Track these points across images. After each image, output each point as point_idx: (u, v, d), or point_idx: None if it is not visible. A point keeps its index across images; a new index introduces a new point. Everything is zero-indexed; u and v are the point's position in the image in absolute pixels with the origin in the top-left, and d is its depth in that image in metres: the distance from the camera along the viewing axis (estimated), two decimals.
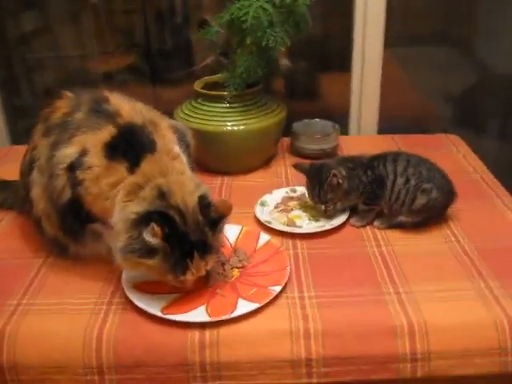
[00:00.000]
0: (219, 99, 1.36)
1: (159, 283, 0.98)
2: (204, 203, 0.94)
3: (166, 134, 1.04)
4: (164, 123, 1.06)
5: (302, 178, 1.29)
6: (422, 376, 0.89)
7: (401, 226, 1.16)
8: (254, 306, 0.93)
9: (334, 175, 1.13)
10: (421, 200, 1.11)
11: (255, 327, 0.91)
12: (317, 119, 1.56)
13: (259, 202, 1.24)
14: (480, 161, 1.45)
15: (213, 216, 0.93)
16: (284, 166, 1.47)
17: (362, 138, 1.68)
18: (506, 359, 0.90)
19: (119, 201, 0.94)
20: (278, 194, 1.29)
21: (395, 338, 0.90)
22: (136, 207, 0.91)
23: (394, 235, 1.14)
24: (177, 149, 1.03)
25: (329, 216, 1.19)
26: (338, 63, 1.84)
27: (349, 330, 0.91)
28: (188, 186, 0.95)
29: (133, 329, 0.92)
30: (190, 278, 0.92)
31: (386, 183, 1.14)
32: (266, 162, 1.47)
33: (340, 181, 1.13)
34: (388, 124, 1.74)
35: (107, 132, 0.97)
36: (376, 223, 1.17)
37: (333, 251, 1.10)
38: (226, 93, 1.33)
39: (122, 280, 1.00)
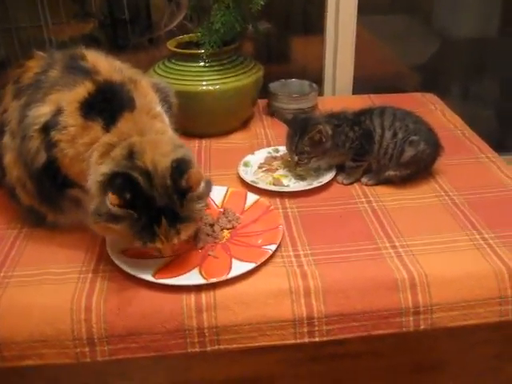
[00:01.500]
0: (194, 58, 1.30)
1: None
2: (177, 168, 0.85)
3: (147, 93, 0.97)
4: (144, 81, 0.99)
5: (283, 137, 1.26)
6: (425, 329, 0.88)
7: (389, 181, 1.13)
8: (250, 265, 0.89)
9: (319, 131, 1.09)
10: (409, 152, 1.09)
11: (253, 288, 0.87)
12: (293, 79, 1.52)
13: (242, 162, 1.20)
14: (459, 117, 1.45)
15: (182, 185, 0.84)
16: (263, 127, 1.42)
17: (340, 98, 1.64)
18: (506, 308, 0.89)
19: (93, 162, 0.87)
20: (261, 155, 1.25)
21: (397, 292, 0.88)
22: (104, 168, 0.85)
23: (383, 191, 1.12)
24: (158, 108, 0.97)
25: (301, 171, 1.16)
26: (309, 26, 1.80)
27: (349, 286, 0.88)
28: (163, 147, 0.87)
29: (123, 296, 0.86)
30: (159, 245, 0.85)
31: (374, 137, 1.11)
32: (244, 124, 1.42)
33: (323, 139, 1.10)
34: (359, 86, 1.72)
35: (84, 89, 0.90)
36: (364, 179, 1.14)
37: (323, 209, 1.07)
38: (202, 51, 1.27)
39: (107, 246, 0.94)
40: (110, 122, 0.88)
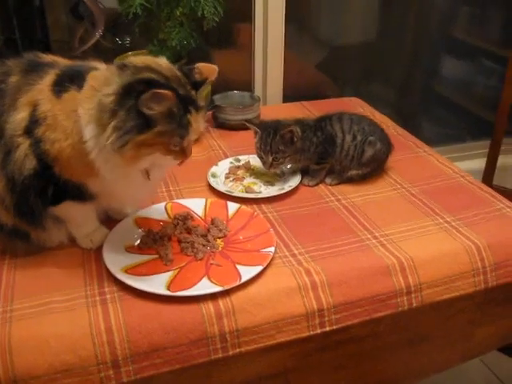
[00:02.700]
0: None
1: (150, 264, 0.95)
2: (184, 68, 0.89)
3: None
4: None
5: (238, 146, 1.32)
6: (416, 306, 0.98)
7: (350, 180, 1.23)
8: (257, 268, 0.93)
9: (291, 131, 1.16)
10: (369, 152, 1.20)
11: (264, 289, 0.92)
12: (234, 91, 1.58)
13: (210, 174, 1.23)
14: (387, 117, 1.59)
15: (197, 78, 0.88)
16: (213, 138, 1.46)
17: (277, 107, 1.73)
18: (478, 278, 1.02)
19: (84, 114, 0.84)
20: (224, 165, 1.29)
21: (390, 276, 0.97)
22: (110, 88, 0.81)
23: (347, 189, 1.22)
24: None
25: (273, 172, 1.22)
26: (232, 40, 1.87)
27: (350, 276, 0.96)
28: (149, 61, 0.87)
29: (141, 313, 0.86)
30: (192, 137, 0.88)
31: (336, 141, 1.20)
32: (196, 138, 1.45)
33: (295, 139, 1.17)
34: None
35: (52, 76, 0.90)
36: (328, 180, 1.23)
37: (299, 210, 1.14)
38: None
39: (108, 265, 0.93)
40: (82, 84, 0.87)
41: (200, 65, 0.91)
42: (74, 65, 0.93)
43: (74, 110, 0.86)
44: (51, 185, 0.90)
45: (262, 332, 0.89)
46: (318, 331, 0.92)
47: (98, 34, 1.66)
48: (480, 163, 2.07)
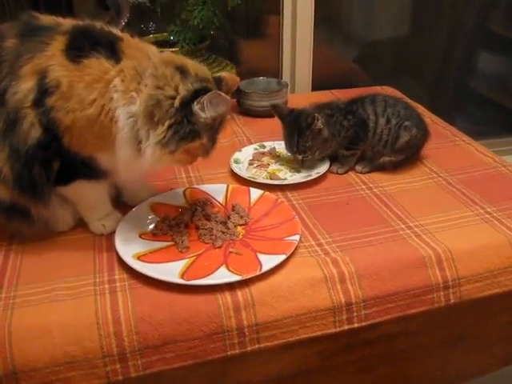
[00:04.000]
0: None
1: (164, 251, 0.89)
2: (216, 78, 0.90)
3: None
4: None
5: (263, 133, 1.24)
6: (455, 302, 0.89)
7: (382, 168, 1.15)
8: (280, 257, 0.85)
9: (317, 119, 1.08)
10: (403, 138, 1.11)
11: (287, 280, 0.84)
12: (260, 77, 1.50)
13: (232, 160, 1.16)
14: (421, 106, 1.50)
15: (224, 89, 0.89)
16: (237, 125, 1.39)
17: (306, 95, 1.65)
18: None
19: (124, 93, 0.81)
20: (249, 151, 1.21)
21: (426, 269, 0.88)
22: (169, 90, 0.81)
23: (379, 177, 1.13)
24: None
25: (307, 166, 1.14)
26: (260, 30, 1.81)
27: (381, 268, 0.87)
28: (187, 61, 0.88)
29: (152, 303, 0.79)
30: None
31: (368, 125, 1.12)
32: None
33: (321, 126, 1.09)
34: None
35: (58, 42, 0.82)
36: (358, 167, 1.15)
37: (327, 198, 1.06)
38: (176, 49, 1.22)
39: (120, 252, 0.86)
40: (110, 52, 0.82)
41: (225, 75, 0.92)
42: (87, 27, 0.86)
43: (99, 80, 0.81)
44: (58, 158, 0.84)
45: (284, 327, 0.81)
46: (346, 327, 0.84)
47: (123, 21, 1.63)
48: None
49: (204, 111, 0.81)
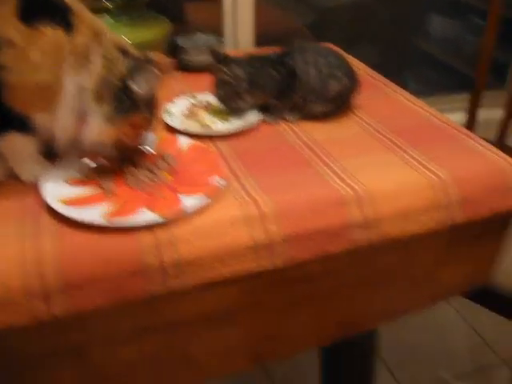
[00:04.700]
0: (101, 12, 1.24)
1: (90, 195, 0.91)
2: (149, 58, 0.94)
3: None
4: None
5: (198, 86, 1.27)
6: (376, 241, 0.93)
7: (313, 117, 1.17)
8: (203, 199, 0.88)
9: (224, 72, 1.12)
10: (334, 87, 1.13)
11: (209, 220, 0.86)
12: (198, 33, 1.50)
13: (164, 110, 1.17)
14: (360, 62, 1.52)
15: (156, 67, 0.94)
16: (174, 79, 1.39)
17: (247, 50, 1.66)
18: (442, 214, 0.96)
19: (74, 65, 0.85)
20: (181, 103, 1.22)
21: (346, 208, 0.91)
22: (114, 70, 0.88)
23: (310, 126, 1.15)
24: None
25: (237, 116, 1.16)
26: None
27: (301, 207, 0.90)
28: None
29: (75, 244, 0.81)
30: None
31: (299, 75, 1.13)
32: None
33: (226, 77, 1.12)
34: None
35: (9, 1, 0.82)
36: (289, 117, 1.17)
37: (256, 147, 1.08)
38: (109, 5, 1.22)
39: (46, 197, 0.87)
40: (66, 25, 0.84)
41: (158, 58, 0.99)
42: None
43: (56, 51, 0.83)
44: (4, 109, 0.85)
45: (205, 264, 0.84)
46: (268, 265, 0.87)
47: None
48: (461, 117, 2.01)
49: (140, 87, 0.89)
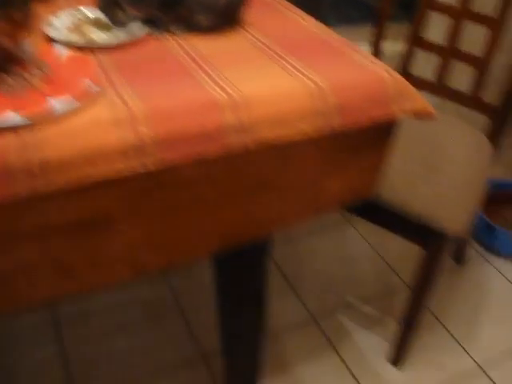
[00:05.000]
0: None
1: None
2: None
3: None
4: None
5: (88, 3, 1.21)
6: (253, 146, 0.94)
7: (199, 30, 1.15)
8: (71, 102, 0.85)
9: None
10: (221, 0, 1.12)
11: (77, 122, 0.84)
12: None
13: (47, 23, 1.12)
14: None
15: None
16: None
17: None
18: (318, 121, 0.98)
19: None
20: (65, 17, 1.17)
21: (221, 112, 0.91)
22: None
23: (196, 40, 1.13)
24: None
25: (118, 25, 1.13)
26: None
27: (174, 110, 0.89)
28: None
29: None
30: None
31: None
32: None
33: None
34: None
35: None
36: (175, 29, 1.14)
37: (139, 60, 1.05)
38: None
39: None
40: None
41: None
42: None
43: None
44: None
45: (72, 164, 0.82)
46: (138, 167, 0.87)
47: None
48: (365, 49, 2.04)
49: None
